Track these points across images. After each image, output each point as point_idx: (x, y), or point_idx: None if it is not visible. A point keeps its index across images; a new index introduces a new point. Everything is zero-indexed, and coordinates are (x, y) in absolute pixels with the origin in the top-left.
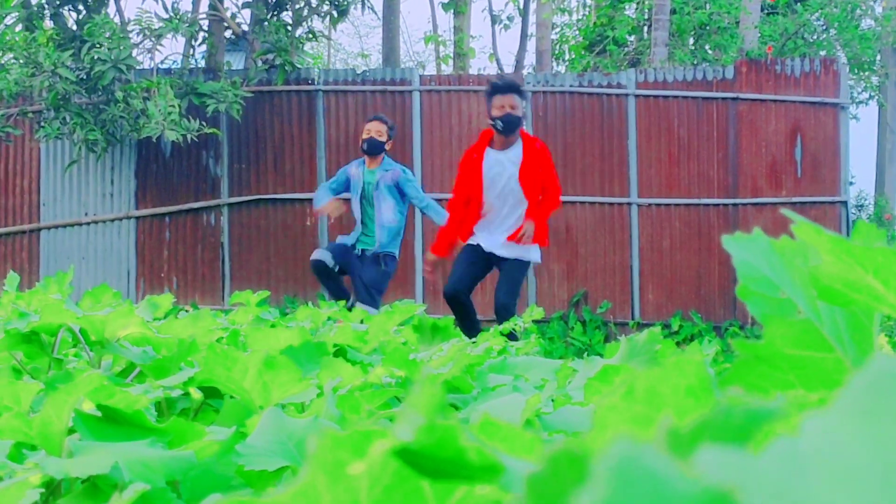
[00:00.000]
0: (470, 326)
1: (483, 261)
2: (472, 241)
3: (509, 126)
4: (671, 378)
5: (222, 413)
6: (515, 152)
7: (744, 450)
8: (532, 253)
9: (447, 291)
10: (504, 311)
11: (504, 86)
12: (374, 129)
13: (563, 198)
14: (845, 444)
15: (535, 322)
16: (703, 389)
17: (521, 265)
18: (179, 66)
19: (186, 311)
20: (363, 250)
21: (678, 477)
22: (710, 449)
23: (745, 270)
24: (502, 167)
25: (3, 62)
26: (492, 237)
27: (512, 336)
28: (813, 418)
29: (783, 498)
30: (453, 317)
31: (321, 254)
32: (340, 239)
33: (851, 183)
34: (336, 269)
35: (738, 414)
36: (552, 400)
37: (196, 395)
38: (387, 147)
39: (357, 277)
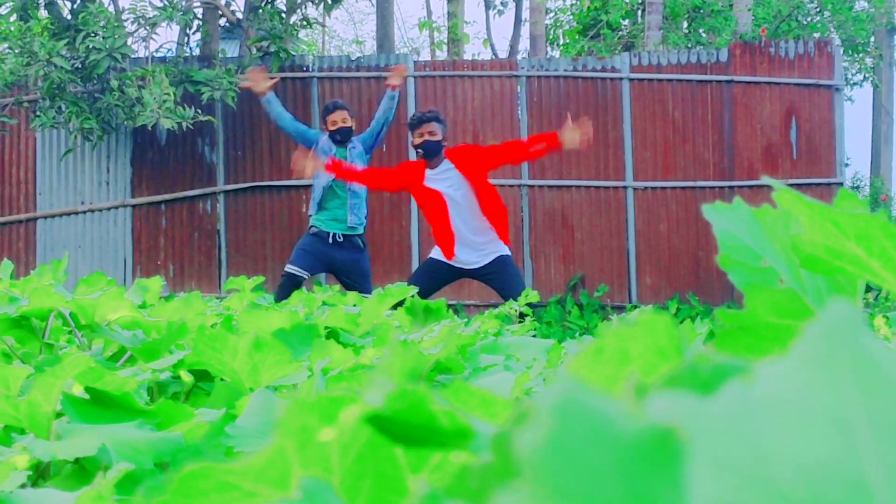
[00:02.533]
0: None
1: (448, 273)
2: (438, 256)
3: (430, 152)
4: (640, 338)
5: (213, 395)
6: (445, 167)
7: (696, 397)
8: (502, 247)
9: None
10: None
11: (419, 119)
12: (341, 118)
13: (559, 182)
14: (798, 389)
15: (532, 306)
16: (673, 349)
17: (499, 262)
18: (174, 54)
19: None
20: (348, 235)
21: (623, 415)
22: (662, 394)
23: (726, 240)
24: (444, 183)
25: None
26: (474, 253)
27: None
28: (767, 365)
29: (732, 440)
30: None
31: (294, 269)
32: (306, 244)
33: (847, 164)
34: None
35: (704, 370)
36: (543, 378)
37: (186, 377)
38: (353, 126)
39: (347, 273)
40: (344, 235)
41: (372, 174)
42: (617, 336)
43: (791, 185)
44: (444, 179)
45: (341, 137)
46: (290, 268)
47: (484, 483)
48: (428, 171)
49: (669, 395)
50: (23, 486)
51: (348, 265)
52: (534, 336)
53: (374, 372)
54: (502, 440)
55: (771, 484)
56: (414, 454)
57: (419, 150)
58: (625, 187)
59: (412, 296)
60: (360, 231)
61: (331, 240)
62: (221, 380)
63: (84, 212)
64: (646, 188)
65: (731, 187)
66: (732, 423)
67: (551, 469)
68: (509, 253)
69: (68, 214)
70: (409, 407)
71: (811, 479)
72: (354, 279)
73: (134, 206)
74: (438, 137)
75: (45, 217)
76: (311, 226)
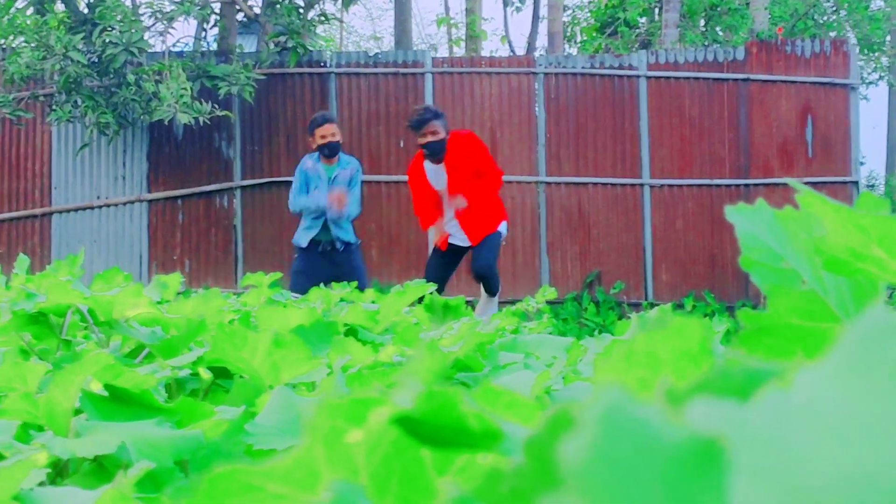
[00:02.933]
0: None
1: (454, 256)
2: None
3: (436, 152)
4: (671, 341)
5: (232, 393)
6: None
7: (735, 403)
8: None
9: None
10: (487, 271)
11: (419, 121)
12: (330, 132)
13: (576, 179)
14: (838, 395)
15: (549, 303)
16: (703, 352)
17: (490, 238)
18: (191, 48)
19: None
20: (336, 242)
21: (666, 424)
22: (701, 401)
23: (748, 241)
24: (439, 176)
25: (14, 46)
26: (461, 233)
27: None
28: (806, 371)
29: (773, 447)
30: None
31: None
32: (301, 266)
33: (862, 163)
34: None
35: (736, 374)
36: (562, 377)
37: (205, 375)
38: (341, 140)
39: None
40: (335, 242)
41: (420, 212)
42: (647, 339)
43: (806, 183)
44: (443, 171)
45: (329, 153)
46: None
47: (516, 487)
48: (428, 164)
49: (708, 402)
50: (41, 483)
51: (341, 272)
52: (550, 333)
53: (403, 373)
54: (536, 444)
55: (812, 493)
56: (440, 456)
57: (425, 150)
58: (641, 184)
59: (431, 293)
60: (347, 242)
61: (319, 248)
62: (240, 377)
63: (100, 206)
64: (662, 185)
65: (746, 185)
66: (773, 432)
67: (597, 479)
68: (503, 234)
69: (84, 209)
70: (439, 408)
71: (853, 488)
72: (348, 277)
73: (150, 202)
74: (441, 136)
75: (61, 212)
76: (296, 247)
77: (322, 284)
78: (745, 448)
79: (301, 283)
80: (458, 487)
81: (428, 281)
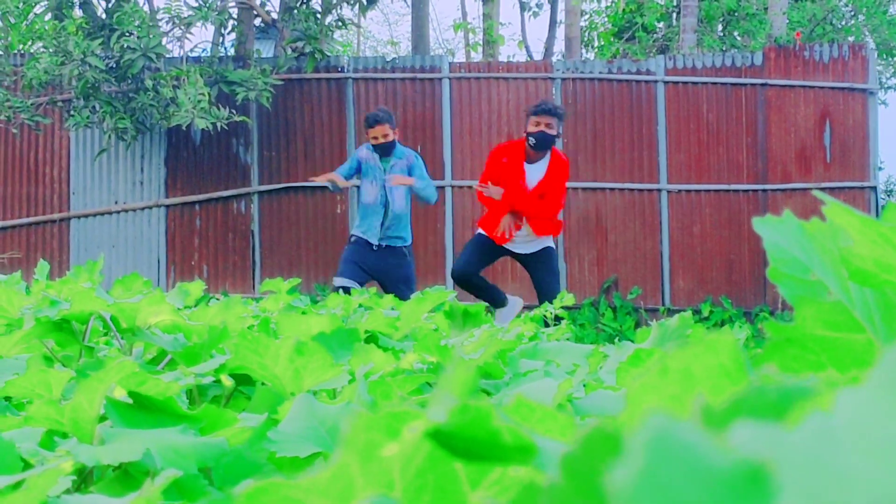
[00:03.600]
0: (492, 297)
1: (494, 251)
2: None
3: (541, 144)
4: (704, 357)
5: (254, 400)
6: (542, 165)
7: (778, 426)
8: (545, 241)
9: (455, 272)
10: (551, 296)
11: (543, 109)
12: (381, 133)
13: (593, 184)
14: (880, 418)
15: (566, 308)
16: (737, 369)
17: (544, 253)
18: (209, 54)
19: (217, 299)
20: (387, 245)
21: (713, 450)
22: (745, 424)
23: (775, 252)
24: (532, 179)
25: (32, 51)
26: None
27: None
28: (847, 393)
29: (818, 471)
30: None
31: (344, 282)
32: (350, 255)
33: (881, 168)
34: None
35: (771, 392)
36: (584, 385)
37: (227, 382)
38: (396, 138)
39: (391, 279)
40: (386, 244)
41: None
42: (681, 356)
43: (824, 188)
44: (536, 173)
45: (382, 153)
46: (338, 280)
47: (552, 503)
48: (527, 167)
49: (751, 425)
50: (67, 491)
51: (390, 270)
52: (569, 339)
53: (437, 386)
54: (573, 461)
55: None
56: (474, 469)
57: (530, 139)
58: (659, 190)
59: (450, 300)
60: (401, 244)
61: (373, 247)
62: (262, 384)
63: (118, 212)
64: (679, 191)
65: (764, 191)
66: (817, 454)
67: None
68: (553, 247)
69: (102, 214)
70: (472, 422)
71: None
72: (394, 283)
73: (168, 207)
74: (555, 133)
75: (79, 217)
76: (351, 235)
77: (369, 278)
78: (791, 471)
79: (348, 270)
80: (491, 501)
81: (462, 267)
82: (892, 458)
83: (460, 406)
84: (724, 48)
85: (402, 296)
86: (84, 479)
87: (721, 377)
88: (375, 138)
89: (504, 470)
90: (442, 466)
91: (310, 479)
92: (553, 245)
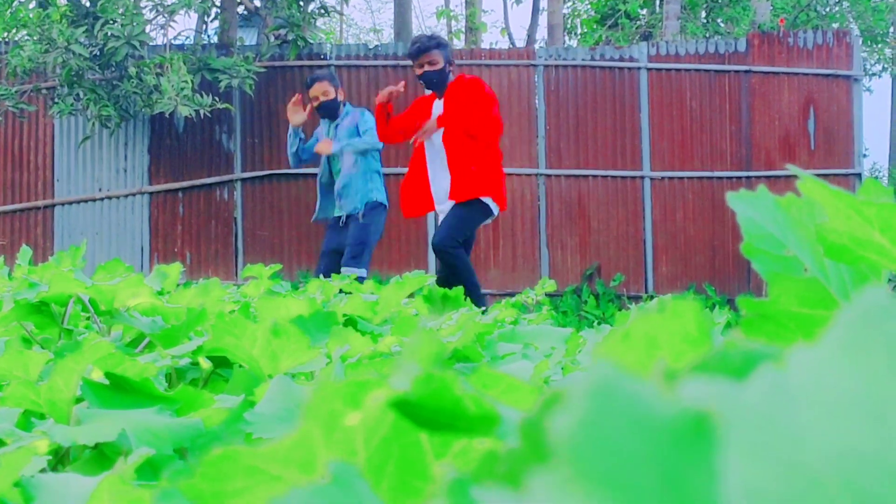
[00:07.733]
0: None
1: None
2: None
3: (432, 83)
4: (669, 324)
5: (231, 382)
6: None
7: (730, 382)
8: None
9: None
10: (437, 253)
11: (416, 50)
12: (321, 91)
13: (576, 171)
14: (834, 374)
15: (549, 295)
16: (702, 336)
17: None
18: (192, 42)
19: None
20: (348, 216)
21: (657, 399)
22: (695, 379)
23: (750, 228)
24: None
25: (16, 39)
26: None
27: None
28: (801, 351)
29: (767, 426)
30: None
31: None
32: (324, 244)
33: (865, 155)
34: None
35: (734, 357)
36: (561, 367)
37: (205, 364)
38: (340, 98)
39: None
40: (347, 215)
41: (381, 131)
42: (645, 322)
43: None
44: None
45: (325, 113)
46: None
47: (512, 468)
48: (437, 104)
49: (702, 380)
50: (42, 470)
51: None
52: (550, 325)
53: (400, 357)
54: (531, 426)
55: (805, 471)
56: (438, 439)
57: (424, 84)
58: (642, 177)
59: (430, 284)
60: (355, 212)
61: (339, 222)
62: (240, 366)
63: (101, 199)
64: (663, 178)
65: (748, 177)
66: (767, 409)
67: (585, 452)
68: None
69: (86, 201)
70: (436, 392)
71: (847, 467)
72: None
73: (151, 194)
74: (440, 66)
75: (63, 204)
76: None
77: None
78: (739, 425)
79: (324, 263)
80: (454, 470)
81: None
82: (843, 416)
83: (424, 375)
84: (707, 35)
85: (345, 261)
86: (60, 459)
87: (685, 343)
88: (316, 98)
89: (469, 441)
90: (406, 437)
91: (271, 447)
92: (489, 204)
